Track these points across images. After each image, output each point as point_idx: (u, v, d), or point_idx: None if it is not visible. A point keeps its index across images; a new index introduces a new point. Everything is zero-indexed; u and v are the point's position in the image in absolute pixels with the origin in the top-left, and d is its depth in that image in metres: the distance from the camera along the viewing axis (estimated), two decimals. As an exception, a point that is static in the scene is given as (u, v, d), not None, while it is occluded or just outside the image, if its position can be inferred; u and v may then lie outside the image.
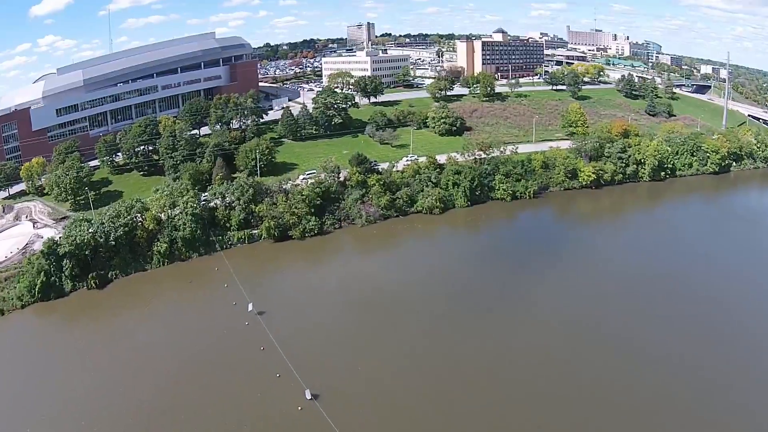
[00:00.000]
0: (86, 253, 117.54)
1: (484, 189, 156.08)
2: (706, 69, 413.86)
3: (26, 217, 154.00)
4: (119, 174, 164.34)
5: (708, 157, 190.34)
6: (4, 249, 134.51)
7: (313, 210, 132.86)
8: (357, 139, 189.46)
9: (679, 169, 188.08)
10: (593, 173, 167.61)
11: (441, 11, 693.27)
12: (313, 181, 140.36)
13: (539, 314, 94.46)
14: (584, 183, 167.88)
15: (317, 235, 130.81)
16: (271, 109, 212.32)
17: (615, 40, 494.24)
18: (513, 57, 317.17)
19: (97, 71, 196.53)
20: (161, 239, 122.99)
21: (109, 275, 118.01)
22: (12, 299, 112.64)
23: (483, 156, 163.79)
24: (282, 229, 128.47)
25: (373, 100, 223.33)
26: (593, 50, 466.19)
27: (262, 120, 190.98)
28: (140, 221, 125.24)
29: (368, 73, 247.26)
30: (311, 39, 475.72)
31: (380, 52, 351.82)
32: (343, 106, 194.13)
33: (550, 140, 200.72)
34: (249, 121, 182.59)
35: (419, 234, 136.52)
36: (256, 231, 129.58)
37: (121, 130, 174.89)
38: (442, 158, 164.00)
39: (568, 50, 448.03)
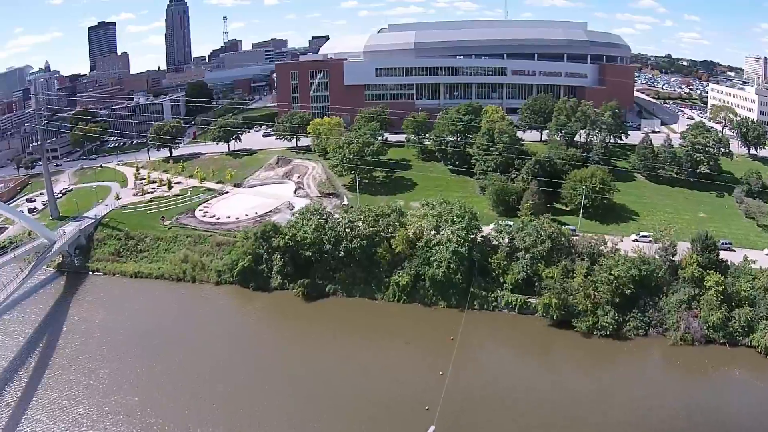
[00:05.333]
0: (306, 254, 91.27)
1: None
2: None
3: (297, 176, 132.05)
4: (426, 161, 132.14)
5: None
6: (245, 206, 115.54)
7: (618, 299, 76.18)
8: (722, 200, 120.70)
9: None
10: None
11: None
12: (636, 255, 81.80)
13: None
14: None
15: (610, 337, 76.81)
16: (638, 129, 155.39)
17: None
18: None
19: (432, 36, 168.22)
20: (407, 268, 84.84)
21: (327, 289, 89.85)
22: (210, 271, 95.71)
23: None
24: (567, 311, 76.93)
25: (752, 151, 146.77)
26: None
27: (620, 141, 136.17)
28: (386, 237, 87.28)
29: (755, 116, 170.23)
30: (710, 61, 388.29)
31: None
32: (714, 151, 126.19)
33: None
34: (598, 139, 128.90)
35: (741, 390, 68.69)
36: (534, 300, 79.13)
37: (444, 109, 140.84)
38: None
39: None
